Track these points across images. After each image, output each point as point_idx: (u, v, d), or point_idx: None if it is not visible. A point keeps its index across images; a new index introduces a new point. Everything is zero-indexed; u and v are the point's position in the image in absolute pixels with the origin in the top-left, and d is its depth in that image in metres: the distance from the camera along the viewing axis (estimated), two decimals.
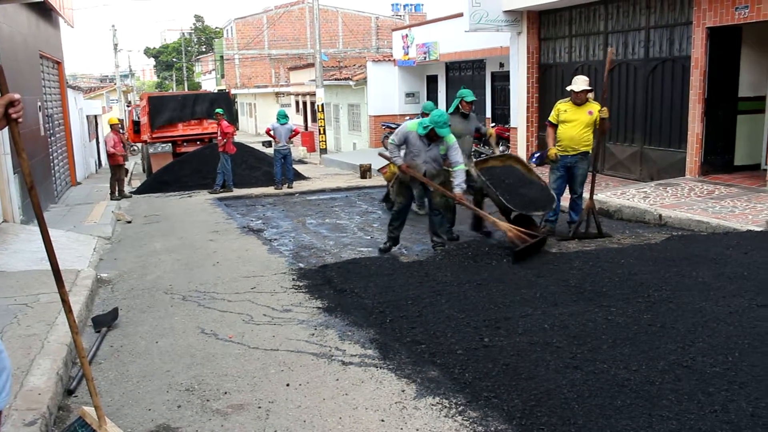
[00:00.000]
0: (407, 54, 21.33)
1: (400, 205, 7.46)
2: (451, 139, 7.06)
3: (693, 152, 10.54)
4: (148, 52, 70.16)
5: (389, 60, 23.13)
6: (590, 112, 7.61)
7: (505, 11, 13.96)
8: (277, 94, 39.58)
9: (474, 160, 7.96)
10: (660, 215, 8.39)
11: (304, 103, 31.93)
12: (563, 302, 5.08)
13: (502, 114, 17.38)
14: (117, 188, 14.86)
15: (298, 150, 24.75)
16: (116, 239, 9.47)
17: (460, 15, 15.18)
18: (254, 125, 44.89)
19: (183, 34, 67.95)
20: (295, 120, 30.54)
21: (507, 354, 4.14)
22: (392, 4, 43.37)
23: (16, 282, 6.18)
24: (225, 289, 6.23)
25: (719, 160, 10.61)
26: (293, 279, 6.49)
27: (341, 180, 16.33)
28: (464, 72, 19.70)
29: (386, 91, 22.60)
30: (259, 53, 43.97)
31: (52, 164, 13.89)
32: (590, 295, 5.19)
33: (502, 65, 17.14)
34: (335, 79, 25.71)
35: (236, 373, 4.25)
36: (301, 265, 7.14)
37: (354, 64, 30.42)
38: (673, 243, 6.77)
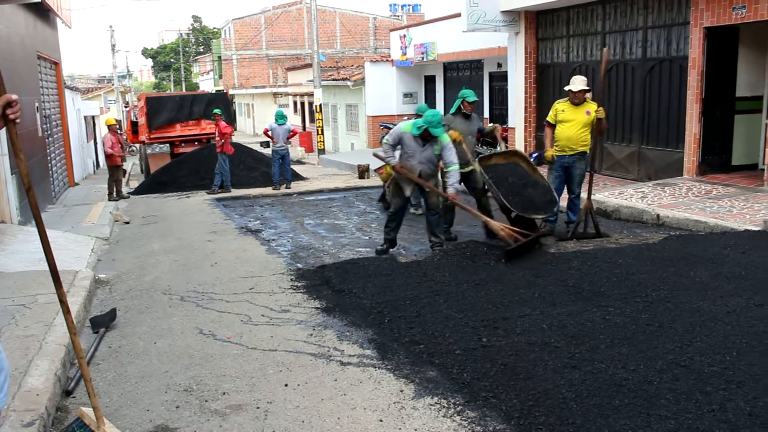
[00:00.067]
0: (405, 54, 21.33)
1: (396, 207, 7.44)
2: (445, 138, 7.05)
3: (690, 152, 10.56)
4: (145, 52, 70.15)
5: (387, 60, 23.14)
6: (588, 112, 7.61)
7: (503, 11, 13.97)
8: (275, 94, 39.59)
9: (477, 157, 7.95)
10: (658, 215, 8.40)
11: (302, 104, 31.94)
12: (561, 302, 5.08)
13: (499, 114, 17.39)
14: (115, 189, 14.84)
15: (296, 150, 24.76)
16: (114, 240, 9.46)
17: (458, 15, 15.19)
18: (252, 126, 44.88)
19: (181, 34, 67.89)
20: (293, 120, 30.56)
21: (505, 354, 4.14)
22: (390, 5, 43.47)
23: (14, 283, 6.17)
24: (223, 290, 6.23)
25: (717, 160, 10.63)
26: (291, 279, 6.48)
27: (339, 180, 16.33)
28: (462, 72, 19.71)
29: (384, 92, 22.61)
30: (257, 54, 43.98)
31: (49, 165, 13.88)
32: (588, 295, 5.20)
33: (499, 65, 17.14)
34: (333, 80, 25.72)
35: (234, 373, 4.25)
36: (300, 265, 7.14)
37: (352, 64, 30.42)
38: (670, 243, 6.77)
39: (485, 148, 11.36)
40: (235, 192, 14.75)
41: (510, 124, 15.17)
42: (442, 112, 20.20)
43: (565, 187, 7.94)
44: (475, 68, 18.86)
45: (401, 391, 3.85)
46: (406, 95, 22.61)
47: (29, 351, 4.34)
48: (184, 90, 56.31)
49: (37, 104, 12.82)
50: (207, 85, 54.45)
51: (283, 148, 14.86)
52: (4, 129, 2.76)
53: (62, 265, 5.02)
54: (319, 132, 23.29)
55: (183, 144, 19.73)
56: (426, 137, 7.02)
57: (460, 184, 8.16)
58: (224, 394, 3.95)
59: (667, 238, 7.09)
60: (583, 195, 7.71)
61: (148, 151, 20.01)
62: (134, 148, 28.01)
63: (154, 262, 7.69)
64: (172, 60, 65.26)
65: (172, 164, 17.46)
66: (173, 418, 3.66)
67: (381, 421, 3.52)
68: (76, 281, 6.28)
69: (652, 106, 11.51)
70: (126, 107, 37.53)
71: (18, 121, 2.75)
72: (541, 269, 6.05)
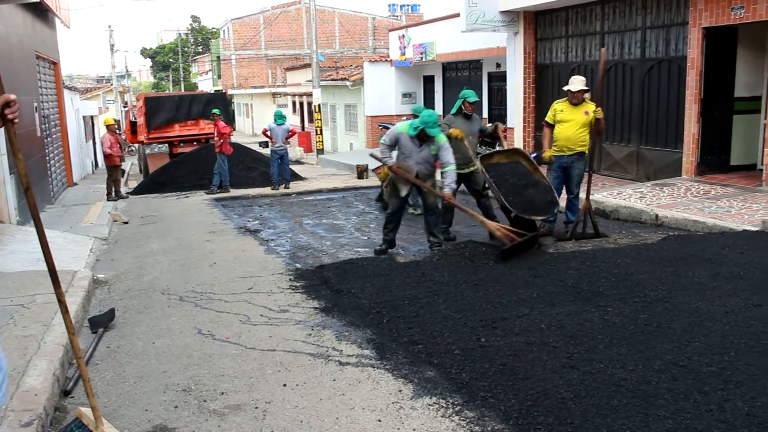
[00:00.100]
0: (404, 54, 21.34)
1: (394, 207, 7.43)
2: (442, 138, 7.05)
3: (689, 152, 10.57)
4: (144, 52, 70.11)
5: (386, 60, 23.15)
6: (586, 113, 7.61)
7: (502, 11, 13.98)
8: (274, 94, 39.59)
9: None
10: (656, 215, 8.41)
11: (301, 104, 31.94)
12: (560, 302, 5.09)
13: (498, 114, 17.39)
14: (114, 189, 14.84)
15: (294, 150, 24.75)
16: (113, 240, 9.46)
17: (457, 15, 15.19)
18: (251, 126, 44.87)
19: (180, 34, 67.88)
20: (292, 120, 30.58)
21: (504, 354, 4.15)
22: (389, 5, 43.46)
23: (13, 283, 6.17)
24: (222, 290, 6.23)
25: (715, 160, 10.64)
26: (290, 279, 6.48)
27: (338, 180, 16.33)
28: (461, 72, 19.72)
29: (383, 92, 22.61)
30: (256, 54, 43.95)
31: (48, 165, 13.87)
32: (587, 295, 5.20)
33: (498, 65, 17.15)
34: (332, 80, 25.72)
35: (233, 373, 4.25)
36: (298, 265, 7.14)
37: (351, 64, 30.42)
38: (669, 243, 6.78)
39: (483, 148, 11.36)
40: (234, 192, 14.74)
41: (509, 125, 15.16)
42: (441, 112, 20.26)
43: (564, 188, 7.95)
44: (474, 68, 18.86)
45: (400, 391, 3.85)
46: (405, 95, 22.62)
47: (28, 351, 4.33)
48: (183, 90, 56.28)
49: (35, 104, 12.81)
50: (206, 85, 54.42)
51: (281, 148, 14.86)
52: (2, 129, 2.76)
53: (61, 265, 5.01)
54: (318, 132, 23.30)
55: (182, 144, 19.70)
56: (422, 138, 7.02)
57: (460, 185, 8.18)
58: (223, 394, 3.95)
59: (666, 238, 7.10)
60: (582, 195, 7.71)
61: (147, 151, 19.99)
62: (133, 148, 28.00)
63: (153, 262, 7.69)
64: (170, 60, 65.23)
65: (170, 164, 17.45)
66: (172, 418, 3.66)
67: (379, 421, 3.52)
68: (75, 281, 6.28)
69: (650, 106, 11.52)
70: (125, 107, 37.54)
71: (16, 121, 2.75)
72: (539, 269, 6.05)
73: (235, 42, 43.71)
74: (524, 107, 14.48)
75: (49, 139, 14.38)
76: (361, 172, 16.12)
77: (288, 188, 14.85)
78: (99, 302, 6.10)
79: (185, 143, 19.68)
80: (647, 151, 11.65)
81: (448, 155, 7.04)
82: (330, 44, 41.17)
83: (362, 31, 42.99)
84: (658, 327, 4.43)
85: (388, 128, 11.33)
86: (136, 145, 23.41)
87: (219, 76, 47.68)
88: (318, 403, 3.77)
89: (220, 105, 19.20)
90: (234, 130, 22.20)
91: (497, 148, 9.18)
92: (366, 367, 4.21)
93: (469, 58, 18.23)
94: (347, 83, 24.01)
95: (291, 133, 15.22)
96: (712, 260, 5.91)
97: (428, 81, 21.92)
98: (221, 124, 14.92)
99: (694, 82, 10.30)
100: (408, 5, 41.49)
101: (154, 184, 16.25)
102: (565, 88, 7.76)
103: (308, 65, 26.76)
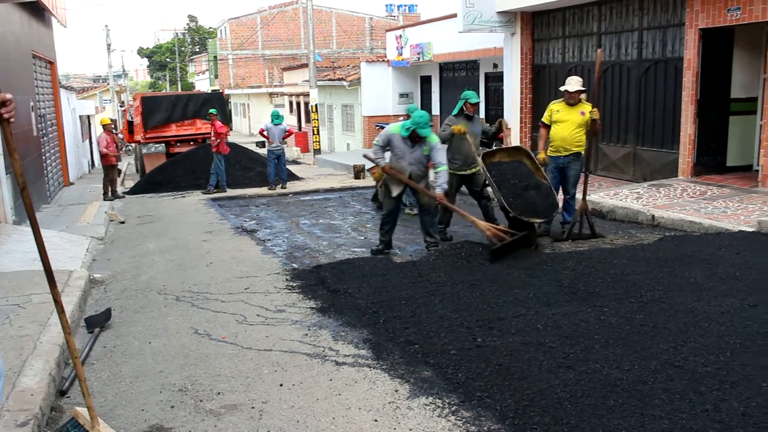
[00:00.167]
0: (401, 54, 21.34)
1: (389, 209, 7.44)
2: (434, 139, 7.07)
3: (685, 153, 10.59)
4: (141, 52, 70.00)
5: (383, 60, 23.15)
6: (582, 113, 7.62)
7: (499, 12, 13.99)
8: (271, 94, 39.56)
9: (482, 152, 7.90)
10: (653, 216, 8.42)
11: (298, 104, 31.92)
12: (556, 302, 5.09)
13: (495, 115, 17.39)
14: (110, 189, 14.82)
15: (291, 150, 24.74)
16: (109, 240, 9.44)
17: (454, 16, 15.19)
18: (248, 126, 44.84)
19: (176, 34, 67.79)
20: (289, 120, 30.56)
21: (500, 354, 4.15)
22: (386, 5, 43.41)
23: (8, 282, 6.16)
24: (218, 290, 6.22)
25: (711, 161, 10.66)
26: (287, 279, 6.48)
27: (335, 180, 16.33)
28: (458, 73, 19.72)
29: (380, 92, 22.60)
30: (253, 53, 43.90)
31: (44, 164, 13.84)
32: (583, 296, 5.21)
33: (495, 66, 17.17)
34: (329, 80, 25.72)
35: (229, 373, 4.25)
36: (295, 265, 7.13)
37: (348, 64, 30.42)
38: (665, 243, 6.80)
39: (481, 149, 11.35)
40: (231, 192, 14.73)
41: None
42: (438, 113, 20.27)
43: (561, 188, 7.96)
44: (470, 69, 18.87)
45: (396, 391, 3.85)
46: (402, 95, 22.61)
47: (23, 351, 4.33)
48: (179, 90, 56.22)
49: (32, 103, 12.78)
50: (203, 84, 54.37)
51: (278, 148, 14.85)
52: None
53: (57, 265, 5.01)
54: (315, 132, 23.29)
55: (178, 144, 19.69)
56: (414, 138, 7.03)
57: (461, 186, 8.19)
58: (219, 393, 3.95)
59: (662, 238, 7.11)
60: (579, 196, 7.72)
61: (144, 150, 19.97)
62: (130, 148, 27.96)
63: (150, 262, 7.68)
64: (167, 60, 65.14)
65: (167, 164, 17.43)
66: (168, 418, 3.66)
67: (376, 421, 3.53)
68: (71, 281, 6.27)
69: (647, 107, 11.54)
70: (121, 107, 37.45)
71: (12, 120, 2.75)
72: (536, 269, 6.06)
73: (232, 42, 43.66)
74: (521, 108, 14.50)
75: (45, 138, 14.34)
76: (358, 172, 16.12)
77: (285, 188, 14.84)
78: (95, 302, 6.10)
79: (182, 143, 19.66)
80: (644, 152, 11.67)
81: (441, 156, 7.05)
82: (327, 44, 41.15)
83: (359, 31, 42.97)
84: (654, 327, 4.44)
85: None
86: (133, 144, 23.39)
87: (216, 76, 47.63)
88: (314, 403, 3.77)
89: (217, 105, 19.20)
90: (231, 130, 22.18)
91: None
92: (362, 367, 4.21)
93: (466, 59, 18.24)
94: (344, 83, 24.01)
95: (288, 133, 15.21)
96: (708, 261, 5.93)
97: (425, 81, 21.92)
98: (218, 124, 14.90)
99: (691, 83, 10.32)
100: (405, 5, 41.49)
101: (150, 183, 16.23)
102: (562, 89, 7.77)
103: (305, 65, 26.75)
